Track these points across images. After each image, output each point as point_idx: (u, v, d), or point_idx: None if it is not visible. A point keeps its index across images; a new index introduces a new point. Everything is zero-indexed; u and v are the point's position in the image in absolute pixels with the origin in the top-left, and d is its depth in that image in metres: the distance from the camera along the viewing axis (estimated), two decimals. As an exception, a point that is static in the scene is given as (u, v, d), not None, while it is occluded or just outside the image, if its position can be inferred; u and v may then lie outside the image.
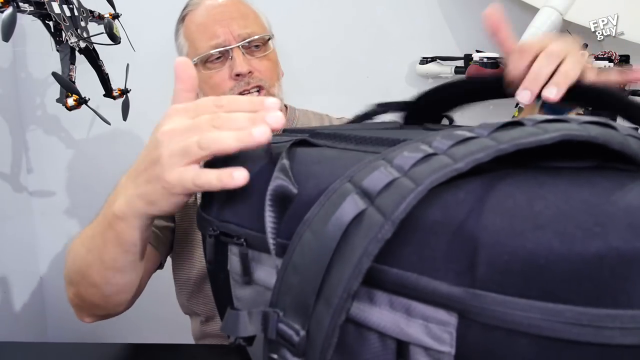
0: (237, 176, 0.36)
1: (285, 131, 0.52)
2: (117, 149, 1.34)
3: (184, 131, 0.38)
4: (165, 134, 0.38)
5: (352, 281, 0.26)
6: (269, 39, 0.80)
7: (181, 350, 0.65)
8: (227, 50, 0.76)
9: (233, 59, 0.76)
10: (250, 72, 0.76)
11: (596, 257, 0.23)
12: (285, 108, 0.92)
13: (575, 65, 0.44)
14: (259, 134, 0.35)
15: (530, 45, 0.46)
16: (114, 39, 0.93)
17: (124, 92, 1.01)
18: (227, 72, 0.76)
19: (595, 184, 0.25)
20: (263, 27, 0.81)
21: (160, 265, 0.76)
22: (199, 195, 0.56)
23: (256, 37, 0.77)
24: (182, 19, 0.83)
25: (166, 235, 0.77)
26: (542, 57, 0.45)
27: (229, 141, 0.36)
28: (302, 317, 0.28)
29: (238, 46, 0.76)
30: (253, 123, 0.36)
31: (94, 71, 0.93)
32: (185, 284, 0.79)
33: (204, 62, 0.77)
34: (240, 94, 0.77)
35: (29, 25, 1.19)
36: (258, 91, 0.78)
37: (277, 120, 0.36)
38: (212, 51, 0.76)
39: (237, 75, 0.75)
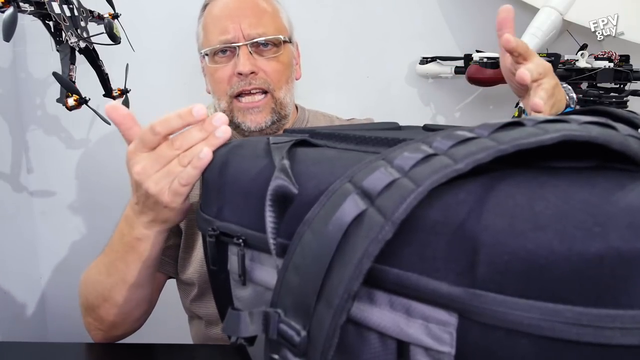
0: (203, 155, 0.46)
1: (286, 131, 0.52)
2: (117, 149, 1.34)
3: (161, 175, 0.49)
4: (139, 174, 0.50)
5: (353, 282, 0.26)
6: (282, 42, 0.79)
7: (181, 350, 0.65)
8: (234, 47, 0.76)
9: (238, 57, 0.75)
10: (253, 72, 0.75)
11: (596, 257, 0.23)
12: (296, 109, 0.91)
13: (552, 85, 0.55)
14: (204, 156, 0.46)
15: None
16: (114, 39, 0.93)
17: (124, 92, 1.01)
18: (231, 69, 0.76)
19: (595, 184, 0.25)
20: (279, 29, 0.80)
21: (170, 277, 0.80)
22: None
23: (264, 38, 0.76)
24: (203, 7, 0.83)
25: (170, 255, 0.78)
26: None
27: (193, 173, 0.47)
28: (303, 317, 0.28)
29: (246, 45, 0.75)
30: (208, 146, 0.47)
31: (94, 71, 0.92)
32: (188, 285, 0.79)
33: (213, 55, 0.78)
34: (240, 93, 0.77)
35: (29, 25, 1.19)
36: (264, 93, 0.77)
37: (225, 133, 0.47)
38: (219, 46, 0.76)
39: (239, 74, 0.75)
